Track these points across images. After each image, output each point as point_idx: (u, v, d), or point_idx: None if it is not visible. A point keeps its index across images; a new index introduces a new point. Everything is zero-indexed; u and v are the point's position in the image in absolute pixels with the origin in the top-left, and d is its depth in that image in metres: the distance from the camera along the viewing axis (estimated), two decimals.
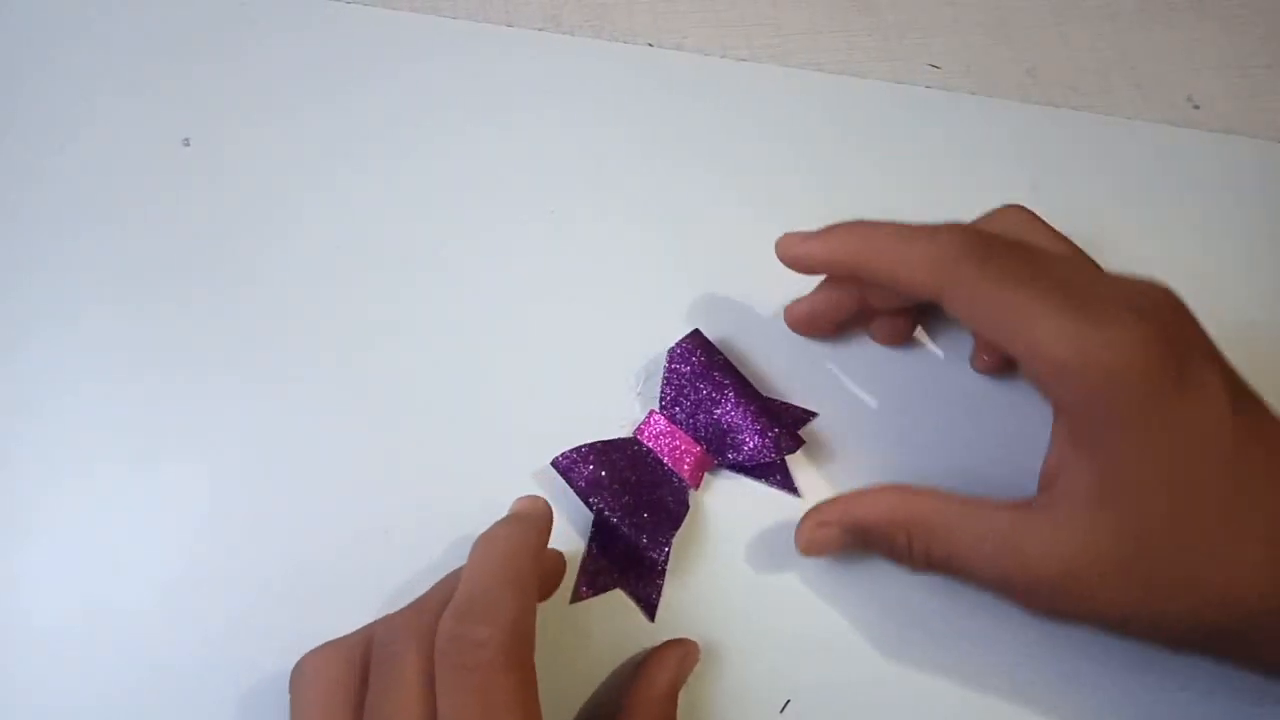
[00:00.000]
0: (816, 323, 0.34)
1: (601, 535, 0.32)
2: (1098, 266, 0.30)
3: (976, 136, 0.39)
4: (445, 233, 0.36)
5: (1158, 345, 0.25)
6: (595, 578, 0.31)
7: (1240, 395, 0.26)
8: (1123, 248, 0.38)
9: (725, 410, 0.32)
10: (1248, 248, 0.38)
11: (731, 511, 0.33)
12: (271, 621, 0.31)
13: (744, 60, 0.39)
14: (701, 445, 0.32)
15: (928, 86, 0.40)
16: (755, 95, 0.39)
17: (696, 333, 0.33)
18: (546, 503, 0.29)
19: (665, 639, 0.31)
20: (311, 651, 0.26)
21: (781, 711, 0.31)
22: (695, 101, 0.38)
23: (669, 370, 0.33)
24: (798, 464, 0.34)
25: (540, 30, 0.39)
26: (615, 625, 0.31)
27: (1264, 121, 0.40)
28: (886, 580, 0.32)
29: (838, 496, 0.31)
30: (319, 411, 0.33)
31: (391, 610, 0.31)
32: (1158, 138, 0.40)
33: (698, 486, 0.32)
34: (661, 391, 0.33)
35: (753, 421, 0.32)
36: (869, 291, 0.32)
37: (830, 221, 0.37)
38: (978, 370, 0.34)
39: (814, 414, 0.34)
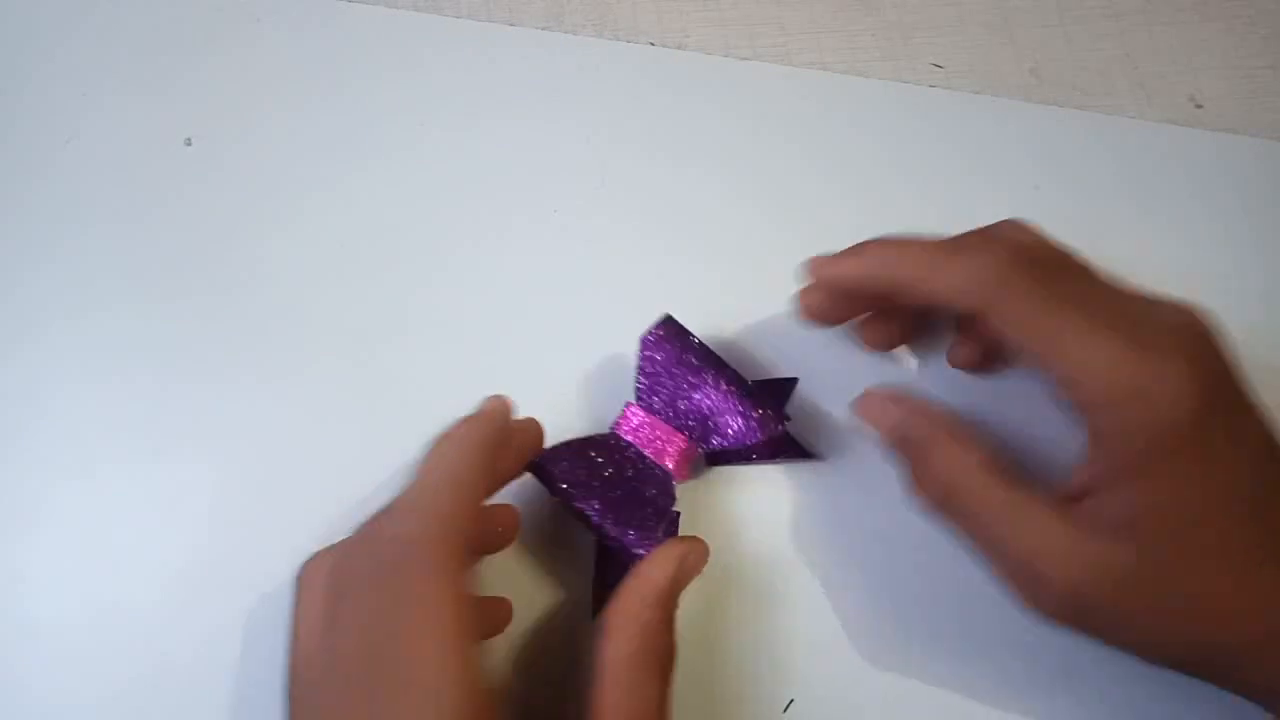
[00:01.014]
0: (830, 315, 0.32)
1: (606, 548, 0.31)
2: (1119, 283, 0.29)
3: (980, 136, 0.39)
4: (447, 231, 0.36)
5: (1208, 386, 0.25)
6: (611, 591, 0.31)
7: (1271, 424, 0.26)
8: (1125, 247, 0.38)
9: (704, 395, 0.31)
10: (1250, 247, 0.38)
11: (735, 507, 0.33)
12: (276, 618, 0.31)
13: (747, 59, 0.39)
14: (684, 434, 0.31)
15: (931, 86, 0.40)
16: (758, 94, 0.39)
17: (668, 319, 0.32)
18: (505, 400, 0.29)
19: (679, 639, 0.31)
20: (313, 555, 0.28)
21: (785, 711, 0.31)
22: (698, 100, 0.38)
23: (643, 359, 0.32)
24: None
25: (543, 29, 0.39)
26: None
27: (1267, 122, 0.40)
28: (892, 580, 0.32)
29: (909, 399, 0.30)
30: (322, 409, 0.33)
31: None
32: (1161, 137, 0.40)
33: (684, 478, 0.32)
34: (636, 382, 0.32)
35: (735, 404, 0.31)
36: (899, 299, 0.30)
37: (830, 220, 0.37)
38: (953, 365, 0.34)
39: (794, 380, 0.34)
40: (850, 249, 0.30)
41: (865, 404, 0.31)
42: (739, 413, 0.31)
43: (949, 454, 0.28)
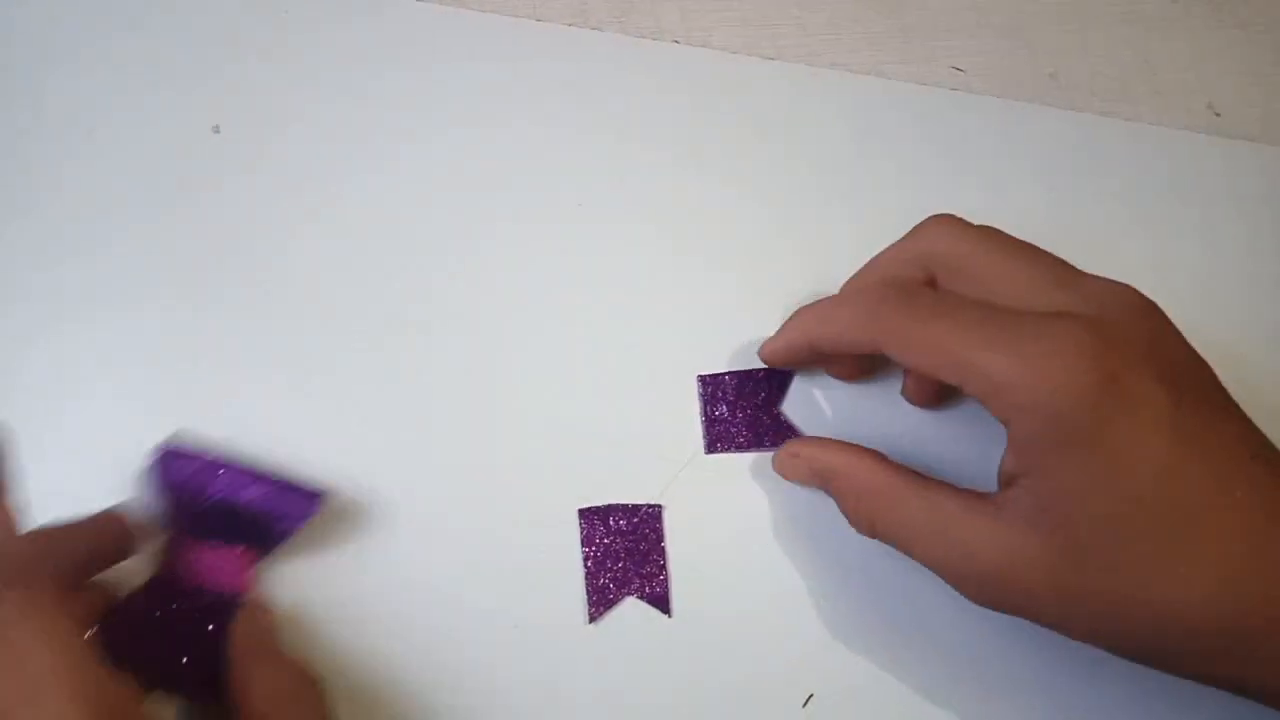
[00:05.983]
0: (794, 365, 0.35)
1: (595, 550, 0.32)
2: (1048, 263, 0.29)
3: (997, 139, 0.39)
4: (471, 225, 0.36)
5: (1087, 364, 0.25)
6: (604, 594, 0.32)
7: (1189, 406, 0.25)
8: (1140, 253, 0.38)
9: (223, 492, 0.30)
10: (1267, 255, 0.38)
11: (748, 506, 0.34)
12: (288, 610, 0.31)
13: (769, 59, 0.40)
14: (239, 547, 0.30)
15: (951, 89, 0.40)
16: (780, 94, 0.39)
17: (169, 450, 0.30)
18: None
19: (687, 634, 0.32)
20: None
21: (804, 706, 0.32)
22: (720, 98, 0.39)
23: (161, 486, 0.30)
24: None
25: (568, 25, 0.39)
26: (638, 630, 0.32)
27: None
28: (912, 576, 0.33)
29: (821, 439, 0.32)
30: (342, 401, 0.33)
31: (405, 593, 0.31)
32: (1178, 144, 0.40)
33: (249, 588, 0.30)
34: (163, 516, 0.30)
35: (258, 484, 0.30)
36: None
37: (849, 219, 0.37)
38: (909, 400, 0.35)
39: (791, 373, 0.35)
40: (784, 325, 0.32)
41: (777, 463, 0.33)
42: (267, 487, 0.30)
43: (860, 477, 0.30)
